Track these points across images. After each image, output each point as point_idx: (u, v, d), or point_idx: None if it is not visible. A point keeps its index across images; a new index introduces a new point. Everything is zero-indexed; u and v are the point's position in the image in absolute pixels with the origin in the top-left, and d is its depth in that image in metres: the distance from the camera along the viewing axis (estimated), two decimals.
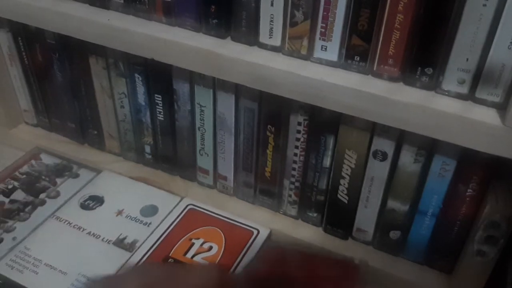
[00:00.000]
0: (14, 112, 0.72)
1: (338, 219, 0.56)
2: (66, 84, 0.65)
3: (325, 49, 0.44)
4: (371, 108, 0.42)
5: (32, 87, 0.69)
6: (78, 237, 0.57)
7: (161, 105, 0.59)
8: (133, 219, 0.60)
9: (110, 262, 0.54)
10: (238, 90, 0.53)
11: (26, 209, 0.61)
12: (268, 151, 0.56)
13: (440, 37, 0.39)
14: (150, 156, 0.66)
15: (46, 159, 0.69)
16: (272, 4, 0.44)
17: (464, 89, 0.41)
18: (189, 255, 0.55)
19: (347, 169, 0.52)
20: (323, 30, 0.43)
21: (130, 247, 0.56)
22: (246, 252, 0.55)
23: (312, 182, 0.55)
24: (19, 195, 0.63)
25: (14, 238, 0.57)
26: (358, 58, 0.43)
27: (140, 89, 0.59)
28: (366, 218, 0.54)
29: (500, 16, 0.37)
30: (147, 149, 0.65)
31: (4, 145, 0.72)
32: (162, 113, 0.60)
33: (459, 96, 0.41)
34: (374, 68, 0.43)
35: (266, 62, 0.45)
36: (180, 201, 0.62)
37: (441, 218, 0.50)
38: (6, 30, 0.65)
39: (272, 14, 0.45)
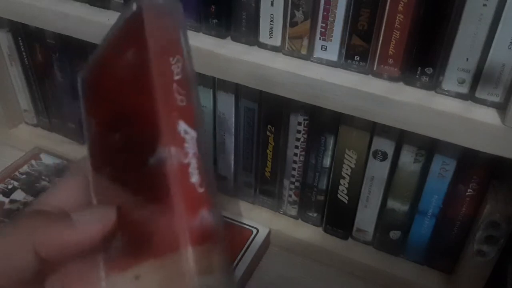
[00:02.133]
0: (14, 112, 0.72)
1: (338, 219, 0.57)
2: (66, 84, 0.65)
3: (325, 49, 0.44)
4: (371, 108, 0.42)
5: (32, 87, 0.69)
6: None
7: None
8: None
9: None
10: (238, 90, 0.53)
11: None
12: (268, 151, 0.56)
13: (440, 37, 0.39)
14: None
15: (46, 159, 0.69)
16: (272, 4, 0.44)
17: (464, 89, 0.41)
18: None
19: (347, 169, 0.52)
20: (323, 30, 0.43)
21: None
22: (245, 251, 0.56)
23: (312, 182, 0.55)
24: (19, 195, 0.63)
25: None
26: (358, 58, 0.43)
27: None
28: (366, 218, 0.54)
29: (500, 16, 0.37)
30: None
31: (4, 145, 0.72)
32: None
33: (459, 96, 0.41)
34: (374, 68, 0.43)
35: (266, 62, 0.45)
36: None
37: (441, 218, 0.50)
38: (6, 30, 0.65)
39: (272, 14, 0.45)
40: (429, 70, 0.41)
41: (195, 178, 0.20)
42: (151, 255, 0.21)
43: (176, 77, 0.21)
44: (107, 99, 0.26)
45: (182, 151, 0.20)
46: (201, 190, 0.20)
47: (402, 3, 0.39)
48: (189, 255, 0.19)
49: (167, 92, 0.21)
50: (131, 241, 0.23)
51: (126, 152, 0.24)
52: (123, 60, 0.24)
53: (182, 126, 0.21)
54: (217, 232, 0.20)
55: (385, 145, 0.48)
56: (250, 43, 0.48)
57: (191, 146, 0.21)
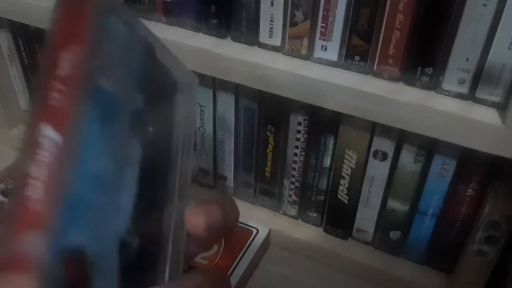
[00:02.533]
0: (14, 112, 0.72)
1: (338, 219, 0.56)
2: None
3: (325, 49, 0.44)
4: (371, 108, 0.42)
5: (32, 87, 0.69)
6: None
7: None
8: None
9: None
10: (238, 90, 0.53)
11: None
12: (268, 151, 0.56)
13: (440, 37, 0.39)
14: None
15: None
16: (272, 4, 0.44)
17: (464, 89, 0.41)
18: None
19: (347, 169, 0.52)
20: (323, 30, 0.43)
21: None
22: (246, 251, 0.56)
23: (312, 182, 0.55)
24: None
25: None
26: (358, 58, 0.43)
27: None
28: (366, 218, 0.54)
29: (500, 16, 0.37)
30: None
31: (4, 145, 0.72)
32: None
33: (459, 96, 0.41)
34: (374, 68, 0.43)
35: (266, 62, 0.45)
36: None
37: (441, 218, 0.50)
38: (6, 30, 0.65)
39: (272, 14, 0.45)
40: (429, 70, 0.41)
41: (36, 193, 0.17)
42: None
43: (60, 72, 0.18)
44: None
45: (32, 157, 0.18)
46: (39, 207, 0.17)
47: (402, 3, 0.39)
48: None
49: (43, 88, 0.18)
50: None
51: None
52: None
53: (44, 129, 0.18)
54: (41, 265, 0.17)
55: (385, 145, 0.48)
56: (250, 43, 0.48)
57: (46, 154, 0.18)
